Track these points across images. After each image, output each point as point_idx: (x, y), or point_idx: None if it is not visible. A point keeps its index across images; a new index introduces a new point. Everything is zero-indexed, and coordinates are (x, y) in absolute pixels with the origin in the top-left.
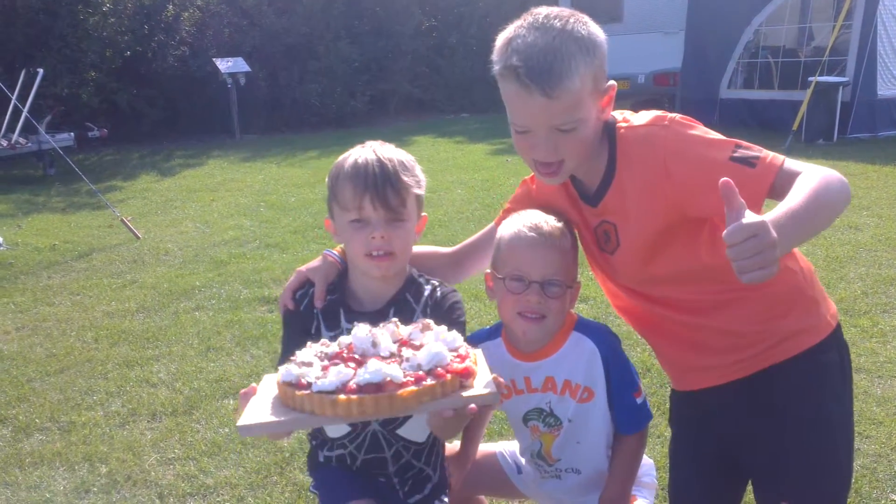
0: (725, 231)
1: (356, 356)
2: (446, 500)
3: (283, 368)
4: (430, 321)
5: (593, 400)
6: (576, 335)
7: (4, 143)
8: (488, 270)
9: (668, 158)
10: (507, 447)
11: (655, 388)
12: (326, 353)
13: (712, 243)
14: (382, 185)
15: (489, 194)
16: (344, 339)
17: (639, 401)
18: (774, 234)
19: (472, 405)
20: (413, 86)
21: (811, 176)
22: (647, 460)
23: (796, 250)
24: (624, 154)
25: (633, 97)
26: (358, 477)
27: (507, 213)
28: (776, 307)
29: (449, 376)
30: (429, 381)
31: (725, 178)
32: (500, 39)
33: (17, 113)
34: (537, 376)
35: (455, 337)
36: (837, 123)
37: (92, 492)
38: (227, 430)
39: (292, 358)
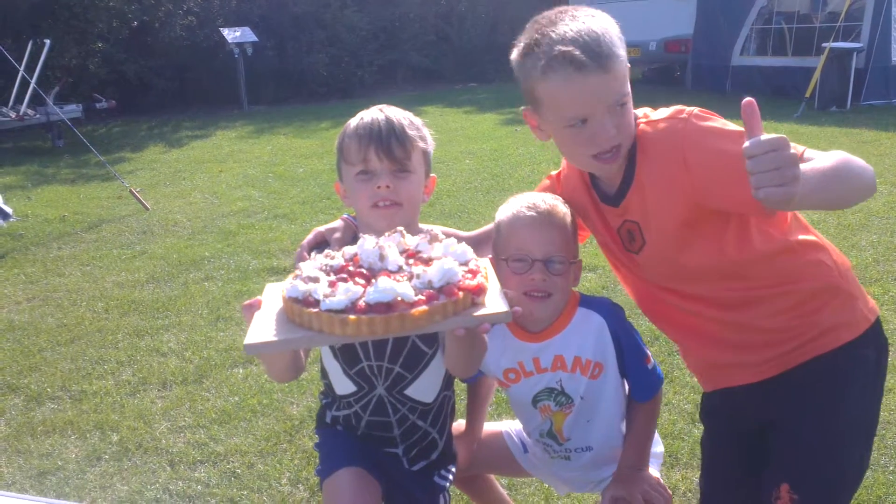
0: (745, 144)
1: (363, 270)
2: (453, 469)
3: (288, 283)
4: (437, 231)
5: (604, 374)
6: (582, 311)
7: (13, 114)
8: (490, 256)
9: (688, 151)
10: (514, 426)
11: (664, 357)
12: (332, 266)
13: (739, 240)
14: (387, 136)
15: (498, 164)
16: (348, 250)
17: (650, 366)
18: (793, 150)
19: (486, 324)
20: (421, 55)
21: (833, 152)
22: None
23: (831, 245)
24: (643, 150)
25: (645, 64)
26: (361, 445)
27: None
28: (810, 302)
29: (461, 294)
30: (440, 301)
31: (749, 98)
32: (522, 48)
33: (24, 84)
34: (546, 356)
35: (465, 249)
36: (851, 90)
37: (104, 459)
38: (236, 398)
39: (297, 272)
